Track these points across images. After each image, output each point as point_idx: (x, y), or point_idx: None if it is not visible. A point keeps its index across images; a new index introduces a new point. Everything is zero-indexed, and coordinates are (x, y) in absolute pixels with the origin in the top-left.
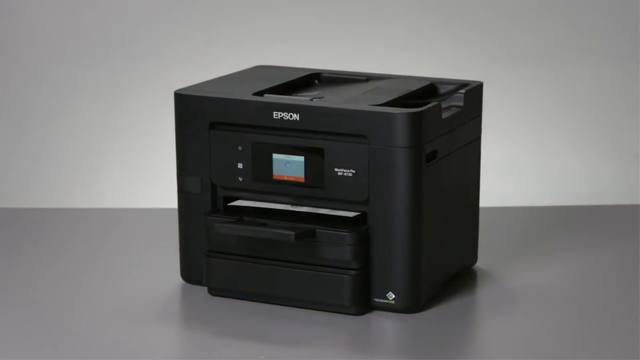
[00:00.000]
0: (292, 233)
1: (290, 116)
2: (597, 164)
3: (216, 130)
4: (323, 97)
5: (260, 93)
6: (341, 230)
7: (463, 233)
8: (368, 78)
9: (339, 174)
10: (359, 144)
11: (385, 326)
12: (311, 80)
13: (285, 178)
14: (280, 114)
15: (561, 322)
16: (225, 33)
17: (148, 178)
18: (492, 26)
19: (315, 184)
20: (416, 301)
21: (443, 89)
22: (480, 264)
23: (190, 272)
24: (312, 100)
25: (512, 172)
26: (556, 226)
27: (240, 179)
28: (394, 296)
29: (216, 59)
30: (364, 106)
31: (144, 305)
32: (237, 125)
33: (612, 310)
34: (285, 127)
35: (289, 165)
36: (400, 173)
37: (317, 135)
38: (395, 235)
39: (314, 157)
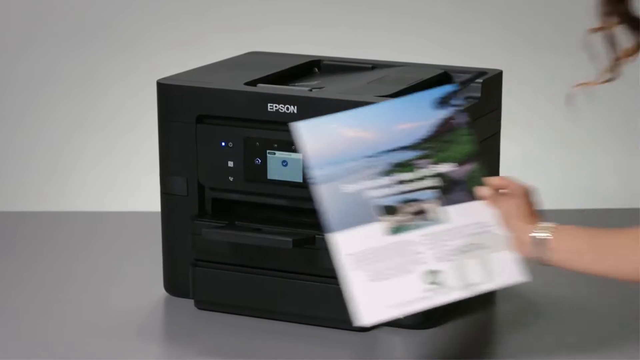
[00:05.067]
0: (290, 239)
1: (287, 109)
2: (630, 161)
3: (204, 124)
4: (323, 87)
5: (253, 83)
6: None
7: None
8: (373, 66)
9: None
10: None
11: (394, 344)
12: (310, 68)
13: (282, 178)
14: (276, 106)
15: (587, 338)
16: (215, 15)
17: (128, 178)
18: (513, 8)
19: None
20: (428, 316)
21: (458, 78)
22: None
23: (175, 283)
24: (311, 90)
25: (534, 170)
26: None
27: (231, 178)
28: None
29: (204, 44)
30: (369, 97)
31: (122, 321)
32: (227, 118)
33: None
34: (281, 121)
35: (285, 164)
36: None
37: None
38: None
39: None
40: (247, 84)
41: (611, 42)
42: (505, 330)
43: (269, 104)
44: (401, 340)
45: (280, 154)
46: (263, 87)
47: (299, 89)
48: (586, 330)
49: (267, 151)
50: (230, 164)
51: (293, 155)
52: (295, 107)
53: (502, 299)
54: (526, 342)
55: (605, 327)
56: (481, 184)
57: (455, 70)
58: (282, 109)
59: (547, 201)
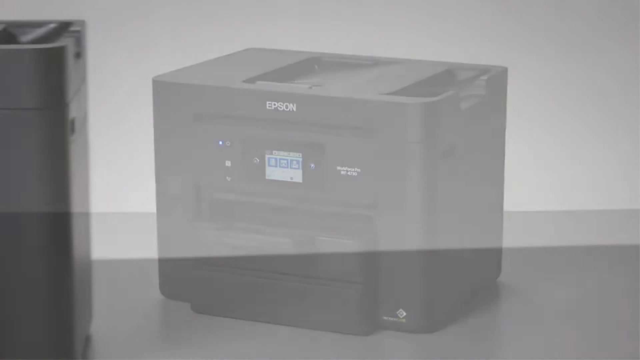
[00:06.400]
0: (289, 241)
1: (286, 107)
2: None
3: (201, 122)
4: (324, 84)
5: (251, 80)
6: (345, 238)
7: (484, 241)
8: (375, 63)
9: (342, 173)
10: (365, 139)
11: (396, 348)
12: (310, 65)
13: (281, 178)
14: (275, 104)
15: (590, 339)
16: (212, 11)
17: (122, 178)
18: (518, 3)
19: (315, 184)
20: (431, 320)
21: (462, 76)
22: (503, 276)
23: (171, 286)
24: (310, 88)
25: (542, 170)
26: (592, 233)
27: (229, 178)
28: (405, 314)
29: (201, 41)
30: (370, 95)
31: (116, 325)
32: (224, 117)
33: None
34: (280, 120)
35: (284, 164)
36: (412, 172)
37: (317, 129)
38: (406, 243)
39: (313, 154)
40: (246, 81)
41: None
42: (510, 333)
43: (267, 102)
44: (404, 344)
45: (280, 153)
46: (262, 85)
47: (299, 86)
48: (589, 332)
49: (266, 150)
50: (228, 163)
51: (292, 154)
52: (295, 105)
53: (506, 301)
54: (531, 345)
55: (607, 328)
56: None
57: (459, 67)
58: (281, 107)
59: (554, 202)
